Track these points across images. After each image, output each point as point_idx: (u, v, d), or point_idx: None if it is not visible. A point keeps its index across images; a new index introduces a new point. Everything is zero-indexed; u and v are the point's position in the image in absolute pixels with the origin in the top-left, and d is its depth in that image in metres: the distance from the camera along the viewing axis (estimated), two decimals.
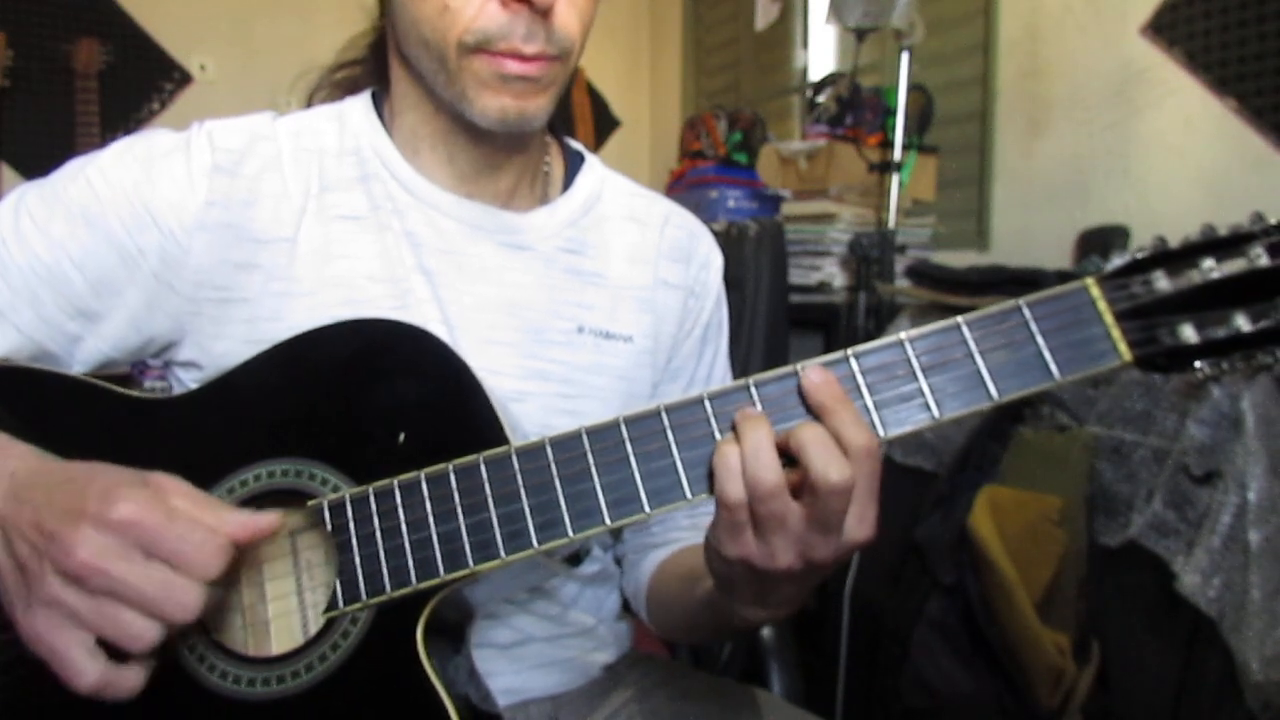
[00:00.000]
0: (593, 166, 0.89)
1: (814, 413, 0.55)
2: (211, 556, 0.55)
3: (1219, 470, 1.28)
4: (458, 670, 0.66)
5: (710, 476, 0.56)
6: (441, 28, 0.69)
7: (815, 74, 3.02)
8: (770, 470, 0.53)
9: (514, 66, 0.69)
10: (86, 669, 0.54)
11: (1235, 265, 0.53)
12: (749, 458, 0.53)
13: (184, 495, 0.57)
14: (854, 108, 2.36)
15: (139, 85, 3.01)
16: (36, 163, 2.76)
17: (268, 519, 0.59)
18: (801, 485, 0.54)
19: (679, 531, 0.89)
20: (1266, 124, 1.78)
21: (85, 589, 0.53)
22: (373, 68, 0.86)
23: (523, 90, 0.71)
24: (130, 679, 0.56)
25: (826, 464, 0.52)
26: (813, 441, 0.53)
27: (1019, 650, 1.38)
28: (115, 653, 0.55)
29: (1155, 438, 1.38)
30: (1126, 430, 1.43)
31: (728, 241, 2.23)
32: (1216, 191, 1.86)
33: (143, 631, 0.54)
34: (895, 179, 2.21)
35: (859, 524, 0.54)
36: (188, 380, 0.76)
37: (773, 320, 2.22)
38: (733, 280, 2.16)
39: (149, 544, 0.54)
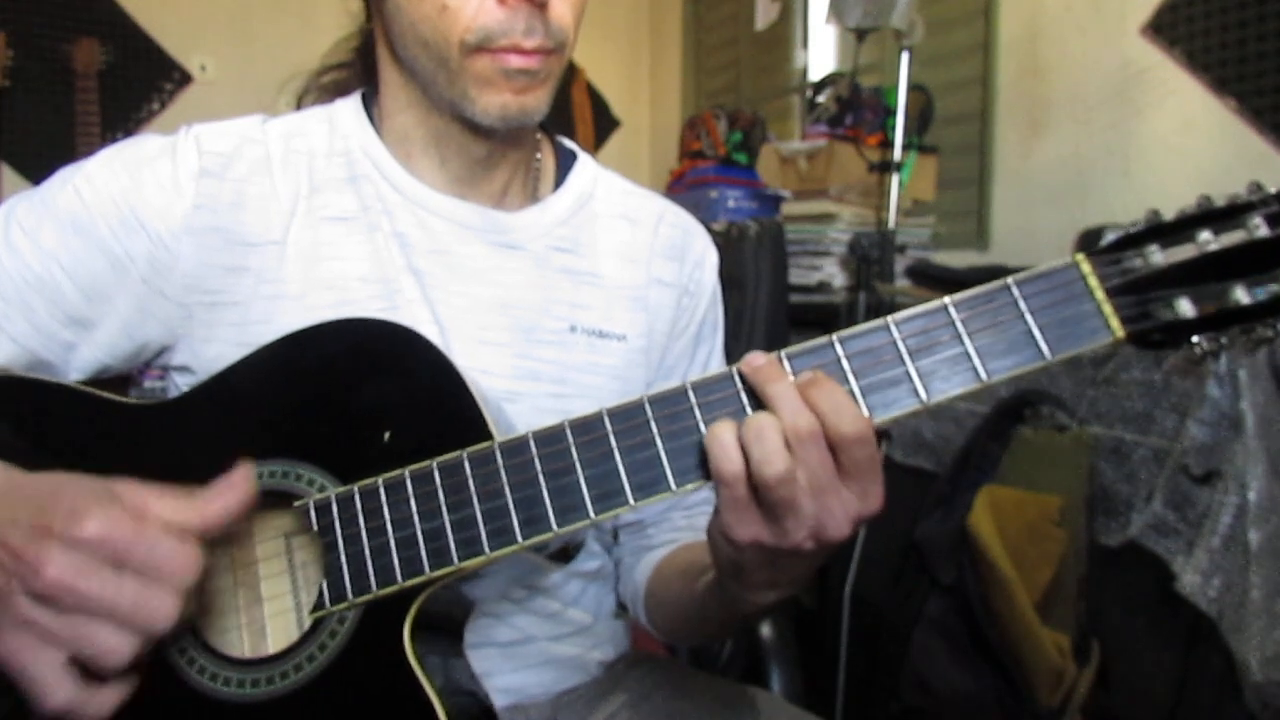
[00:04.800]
0: (585, 165, 0.89)
1: (763, 401, 0.54)
2: (184, 564, 0.54)
3: (1219, 470, 1.28)
4: (451, 669, 0.66)
5: (694, 468, 0.56)
6: (442, 28, 0.70)
7: (815, 74, 3.03)
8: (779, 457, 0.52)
9: (516, 61, 0.70)
10: (54, 689, 0.53)
11: (1233, 237, 0.51)
12: (753, 440, 0.53)
13: (153, 501, 0.56)
14: (854, 108, 2.36)
15: (139, 85, 3.02)
16: (36, 163, 2.78)
17: (236, 478, 0.58)
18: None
19: (675, 533, 0.89)
20: (1266, 124, 1.78)
21: (57, 608, 0.52)
22: (360, 70, 0.86)
23: (524, 85, 0.72)
24: (103, 700, 0.54)
25: (763, 457, 0.51)
26: (752, 436, 0.52)
27: (1019, 650, 1.38)
28: (94, 675, 0.54)
29: (1155, 438, 1.38)
30: (1126, 430, 1.43)
31: (728, 241, 2.23)
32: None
33: (117, 646, 0.53)
34: (895, 179, 2.21)
35: (836, 519, 0.53)
36: (182, 384, 0.76)
37: (773, 320, 2.22)
38: (733, 280, 2.17)
39: (119, 557, 0.53)
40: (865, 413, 0.54)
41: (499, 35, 0.69)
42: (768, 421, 0.52)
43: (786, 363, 0.55)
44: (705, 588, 0.71)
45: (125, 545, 0.53)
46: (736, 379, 0.56)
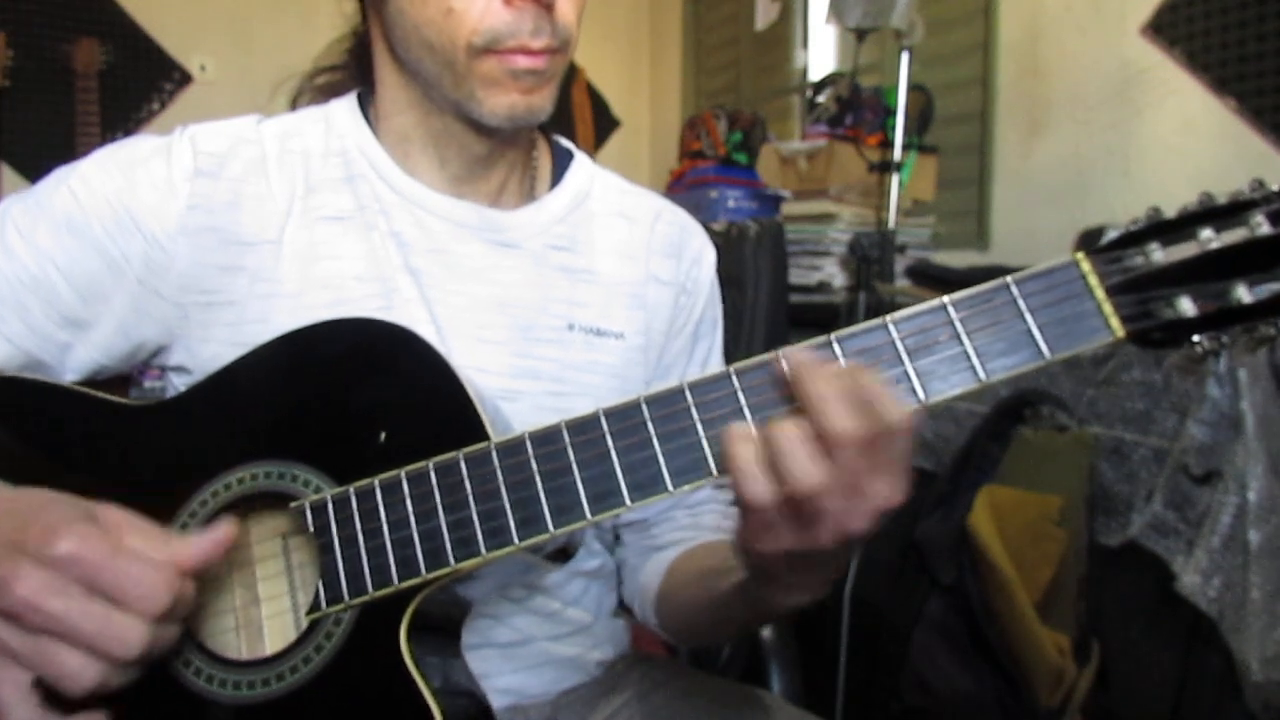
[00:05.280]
0: (582, 164, 0.89)
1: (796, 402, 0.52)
2: (155, 591, 0.53)
3: (1219, 470, 1.28)
4: (449, 670, 0.66)
5: (692, 468, 0.55)
6: (448, 31, 0.70)
7: (815, 74, 3.03)
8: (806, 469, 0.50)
9: (523, 61, 0.71)
10: (16, 709, 0.52)
11: (1235, 235, 0.50)
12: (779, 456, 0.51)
13: (132, 531, 0.55)
14: (854, 108, 2.36)
15: (139, 85, 3.02)
16: (36, 163, 2.78)
17: (220, 533, 0.57)
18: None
19: (680, 531, 0.89)
20: (1266, 124, 1.78)
21: (23, 626, 0.51)
22: (355, 72, 0.86)
23: (531, 85, 0.72)
24: None
25: (798, 473, 0.50)
26: (778, 454, 0.50)
27: (1019, 650, 1.38)
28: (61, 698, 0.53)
29: (1155, 438, 1.38)
30: (1126, 430, 1.43)
31: (727, 241, 2.23)
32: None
33: (80, 670, 0.51)
34: (895, 179, 2.21)
35: (857, 517, 0.52)
36: (179, 384, 0.76)
37: (773, 320, 2.22)
38: (732, 280, 2.17)
39: (90, 580, 0.52)
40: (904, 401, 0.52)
41: (506, 37, 0.69)
42: (792, 435, 0.50)
43: (783, 361, 0.55)
44: (730, 590, 0.70)
45: (97, 567, 0.52)
46: (734, 379, 0.56)
